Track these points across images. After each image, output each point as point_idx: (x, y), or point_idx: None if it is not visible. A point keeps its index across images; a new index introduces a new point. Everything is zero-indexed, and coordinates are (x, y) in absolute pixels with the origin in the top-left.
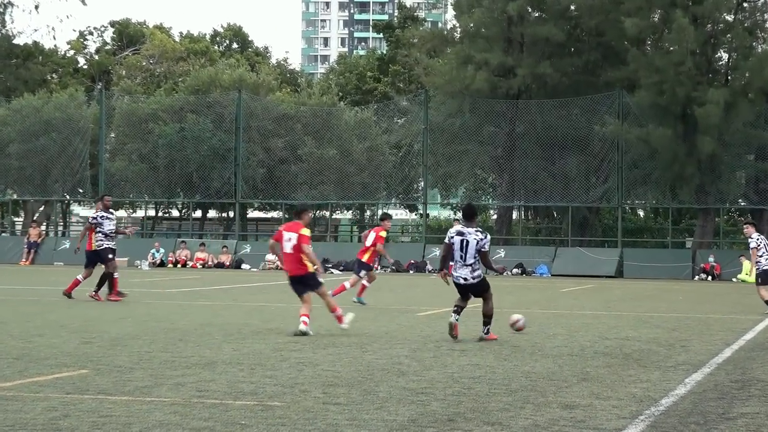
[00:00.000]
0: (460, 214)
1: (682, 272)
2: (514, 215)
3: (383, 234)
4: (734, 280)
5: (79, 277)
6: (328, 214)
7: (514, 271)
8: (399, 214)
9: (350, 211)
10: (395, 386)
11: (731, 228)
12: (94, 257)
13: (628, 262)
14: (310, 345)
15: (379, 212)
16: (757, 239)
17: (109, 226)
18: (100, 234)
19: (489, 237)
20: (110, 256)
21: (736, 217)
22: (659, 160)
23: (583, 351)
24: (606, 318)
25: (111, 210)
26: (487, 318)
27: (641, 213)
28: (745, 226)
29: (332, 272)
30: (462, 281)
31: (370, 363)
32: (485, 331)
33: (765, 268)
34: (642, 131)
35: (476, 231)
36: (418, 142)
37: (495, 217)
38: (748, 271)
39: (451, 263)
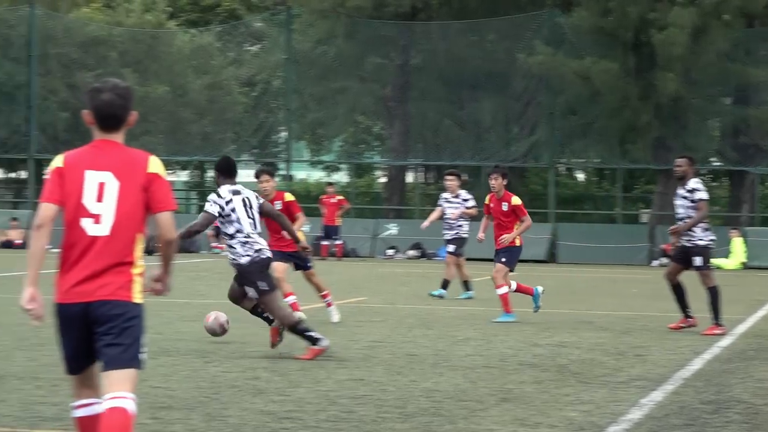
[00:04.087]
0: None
1: (635, 256)
2: (409, 178)
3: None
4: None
5: None
6: None
7: (410, 253)
8: (252, 175)
9: (186, 171)
10: (250, 409)
11: None
12: None
13: (563, 242)
14: None
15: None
16: None
17: None
18: None
19: None
20: None
21: (709, 181)
22: (604, 105)
23: (503, 362)
24: (534, 317)
25: None
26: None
27: (581, 176)
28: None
29: None
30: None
31: (216, 378)
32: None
33: (465, 235)
34: (581, 65)
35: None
36: (277, 77)
37: (384, 180)
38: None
39: (217, 243)
